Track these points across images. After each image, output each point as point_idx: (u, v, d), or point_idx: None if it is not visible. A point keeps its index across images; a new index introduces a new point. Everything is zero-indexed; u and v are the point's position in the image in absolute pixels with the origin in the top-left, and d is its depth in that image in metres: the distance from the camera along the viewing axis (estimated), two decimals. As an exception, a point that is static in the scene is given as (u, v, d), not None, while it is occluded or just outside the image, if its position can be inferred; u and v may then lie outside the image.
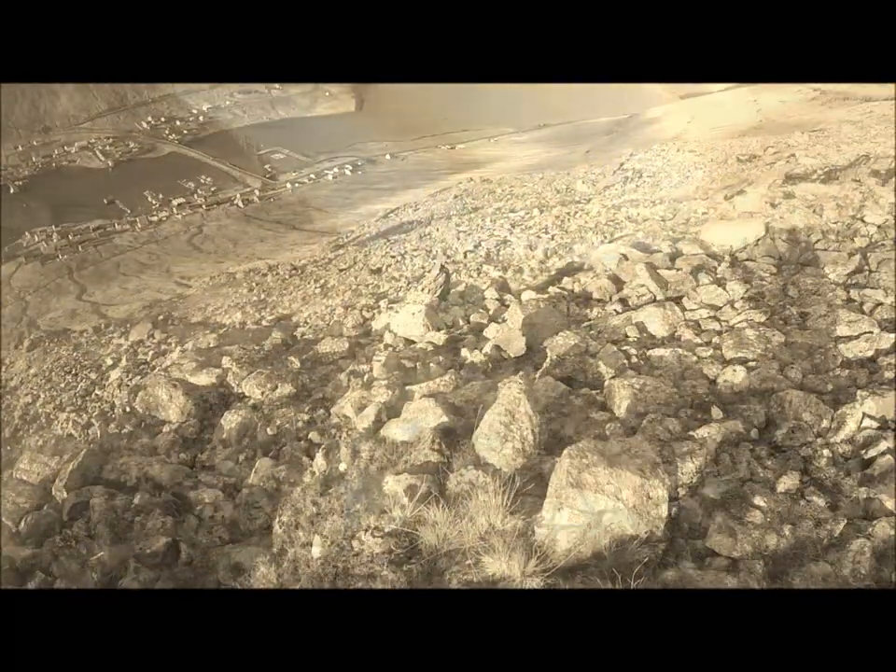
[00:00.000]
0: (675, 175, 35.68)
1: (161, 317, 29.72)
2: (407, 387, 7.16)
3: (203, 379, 10.71)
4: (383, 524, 4.62)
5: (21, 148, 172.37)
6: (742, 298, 8.18)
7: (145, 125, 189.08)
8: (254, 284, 33.97)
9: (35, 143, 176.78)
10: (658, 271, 9.60)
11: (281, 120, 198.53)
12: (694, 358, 6.54)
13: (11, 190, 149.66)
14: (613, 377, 6.18)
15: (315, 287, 27.54)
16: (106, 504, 6.93)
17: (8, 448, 18.55)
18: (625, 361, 6.75)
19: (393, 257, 31.01)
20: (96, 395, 19.83)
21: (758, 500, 4.13)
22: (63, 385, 22.45)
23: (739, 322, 7.39)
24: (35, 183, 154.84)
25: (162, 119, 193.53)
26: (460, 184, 72.44)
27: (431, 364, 7.91)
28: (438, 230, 36.91)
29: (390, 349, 10.26)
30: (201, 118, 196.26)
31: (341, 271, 30.95)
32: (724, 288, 8.45)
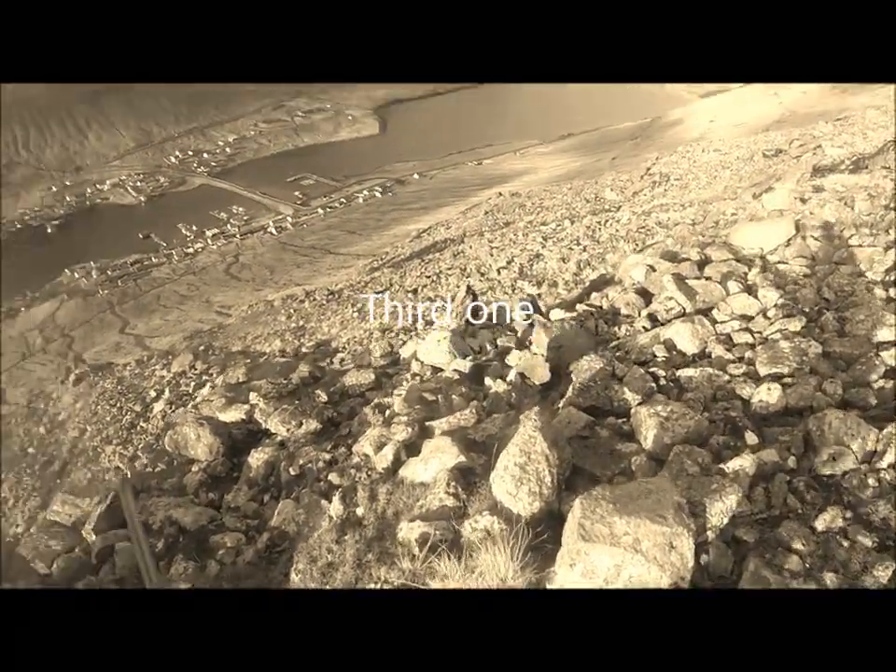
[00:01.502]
0: (702, 177, 35.20)
1: (201, 348, 30.00)
2: (427, 423, 6.91)
3: (232, 415, 10.62)
4: (392, 576, 4.38)
5: (55, 189, 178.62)
6: (775, 305, 7.72)
7: (173, 159, 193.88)
8: (292, 310, 34.06)
9: (67, 183, 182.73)
10: (686, 281, 9.21)
11: (307, 147, 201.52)
12: (726, 377, 6.12)
13: (48, 230, 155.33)
14: (640, 403, 5.83)
15: (353, 312, 27.52)
16: (130, 549, 6.79)
17: (58, 481, 18.81)
18: (653, 385, 6.37)
19: (428, 276, 30.90)
20: (141, 427, 20.20)
21: (796, 543, 3.76)
22: (108, 419, 22.80)
23: (773, 333, 6.94)
24: (70, 222, 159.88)
25: (190, 153, 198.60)
26: (490, 199, 72.46)
27: (454, 396, 7.64)
28: (471, 247, 36.79)
29: (417, 378, 10.04)
30: (227, 149, 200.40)
31: (377, 293, 30.85)
32: (756, 296, 8.02)
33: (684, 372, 6.40)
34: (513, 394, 7.28)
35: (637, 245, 20.56)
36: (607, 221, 28.93)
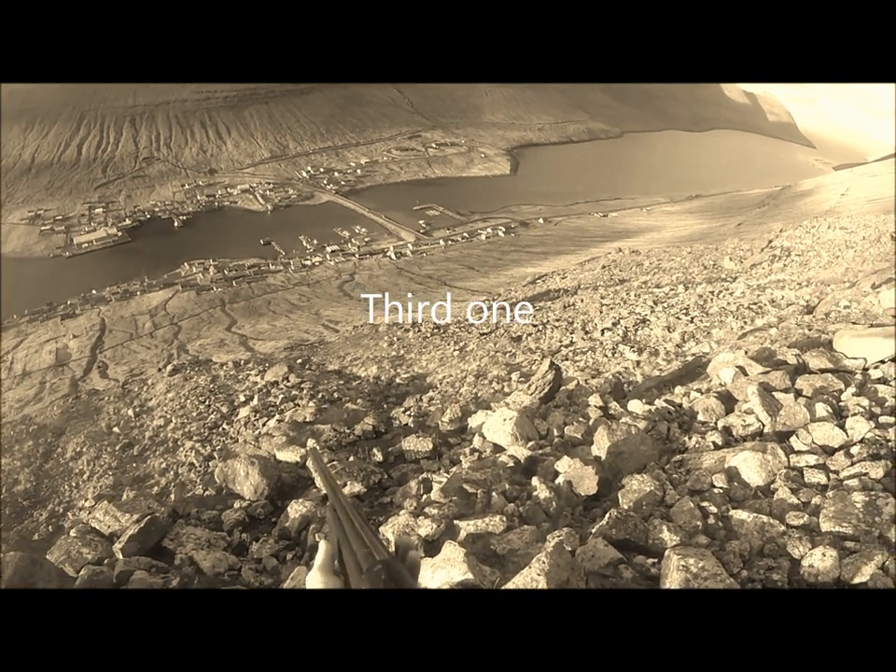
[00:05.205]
0: (824, 255, 33.79)
1: (299, 361, 30.44)
2: (455, 521, 6.53)
3: (289, 456, 10.57)
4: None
5: (187, 187, 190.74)
6: (862, 440, 6.79)
7: (304, 174, 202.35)
8: (395, 338, 34.36)
9: (200, 183, 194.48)
10: (774, 393, 8.49)
11: (436, 178, 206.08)
12: (781, 528, 5.43)
13: (175, 224, 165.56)
14: (675, 546, 5.27)
15: (454, 349, 27.48)
16: (145, 581, 6.67)
17: (134, 465, 19.29)
18: (699, 523, 5.76)
19: (535, 325, 30.57)
20: (223, 429, 20.47)
21: None
22: (194, 414, 23.29)
23: (850, 478, 6.10)
24: (197, 219, 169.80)
25: (322, 170, 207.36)
26: (609, 254, 71.62)
27: (494, 494, 7.23)
28: (582, 300, 36.37)
29: (476, 455, 9.68)
30: (358, 171, 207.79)
31: (482, 335, 30.77)
32: (843, 427, 7.11)
33: (737, 514, 5.73)
34: (554, 503, 6.82)
35: (745, 322, 19.97)
36: (720, 292, 28.08)
